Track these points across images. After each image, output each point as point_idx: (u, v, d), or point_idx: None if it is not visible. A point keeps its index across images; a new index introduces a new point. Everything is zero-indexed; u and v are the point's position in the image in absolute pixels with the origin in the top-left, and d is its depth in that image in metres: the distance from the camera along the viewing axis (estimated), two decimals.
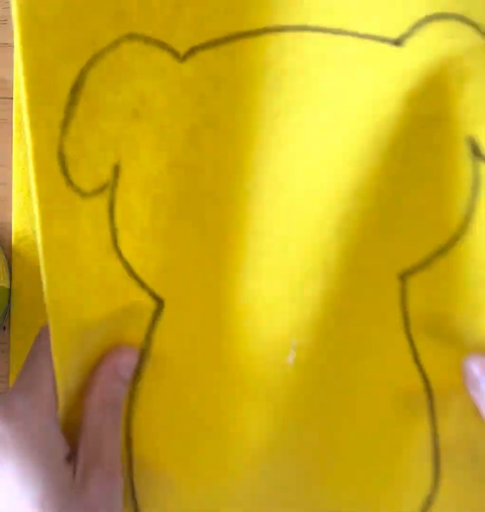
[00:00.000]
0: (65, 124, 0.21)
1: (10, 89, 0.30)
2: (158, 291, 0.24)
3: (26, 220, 0.30)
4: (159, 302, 0.24)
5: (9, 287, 0.30)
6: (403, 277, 0.24)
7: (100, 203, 0.23)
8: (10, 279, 0.30)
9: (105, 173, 0.22)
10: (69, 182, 0.21)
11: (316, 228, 0.22)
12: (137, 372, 0.25)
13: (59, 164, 0.21)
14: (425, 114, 0.22)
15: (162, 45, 0.22)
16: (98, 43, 0.21)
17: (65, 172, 0.21)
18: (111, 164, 0.22)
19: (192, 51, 0.23)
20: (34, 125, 0.20)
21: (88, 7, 0.21)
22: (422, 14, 0.22)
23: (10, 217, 0.30)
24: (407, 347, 0.25)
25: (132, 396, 0.25)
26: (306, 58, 0.22)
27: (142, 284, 0.24)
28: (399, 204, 0.23)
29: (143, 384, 0.25)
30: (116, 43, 0.21)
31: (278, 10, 0.22)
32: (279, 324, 0.23)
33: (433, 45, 0.22)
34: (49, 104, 0.21)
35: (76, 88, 0.21)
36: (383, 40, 0.22)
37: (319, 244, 0.22)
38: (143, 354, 0.25)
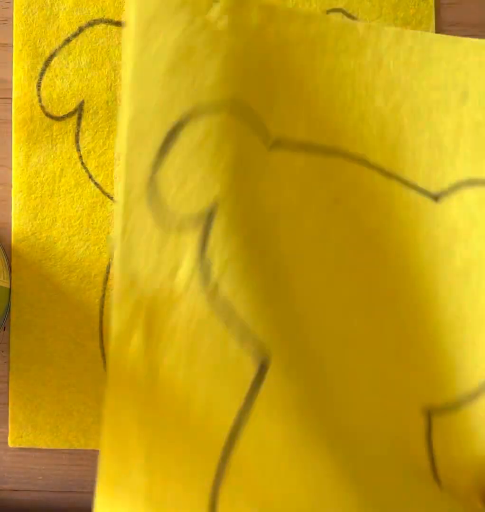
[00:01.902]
0: (155, 164, 0.21)
1: (10, 89, 0.30)
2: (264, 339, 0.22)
3: (26, 221, 0.30)
4: (263, 363, 0.22)
5: (9, 287, 0.30)
6: (429, 413, 0.24)
7: (192, 237, 0.22)
8: (10, 279, 0.30)
9: (202, 205, 0.22)
10: (160, 210, 0.22)
11: None
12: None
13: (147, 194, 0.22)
14: (453, 268, 0.24)
15: (257, 126, 0.23)
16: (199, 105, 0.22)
17: (157, 199, 0.22)
18: (207, 201, 0.22)
19: (278, 143, 0.23)
20: (129, 158, 0.21)
21: (190, 87, 0.22)
22: (463, 177, 0.24)
23: (10, 217, 0.30)
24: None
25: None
26: (358, 191, 0.24)
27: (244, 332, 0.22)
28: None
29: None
30: (217, 107, 0.22)
31: (343, 134, 0.24)
32: None
33: (469, 210, 0.24)
34: (145, 146, 0.21)
35: (170, 138, 0.22)
36: (424, 192, 0.24)
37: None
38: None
